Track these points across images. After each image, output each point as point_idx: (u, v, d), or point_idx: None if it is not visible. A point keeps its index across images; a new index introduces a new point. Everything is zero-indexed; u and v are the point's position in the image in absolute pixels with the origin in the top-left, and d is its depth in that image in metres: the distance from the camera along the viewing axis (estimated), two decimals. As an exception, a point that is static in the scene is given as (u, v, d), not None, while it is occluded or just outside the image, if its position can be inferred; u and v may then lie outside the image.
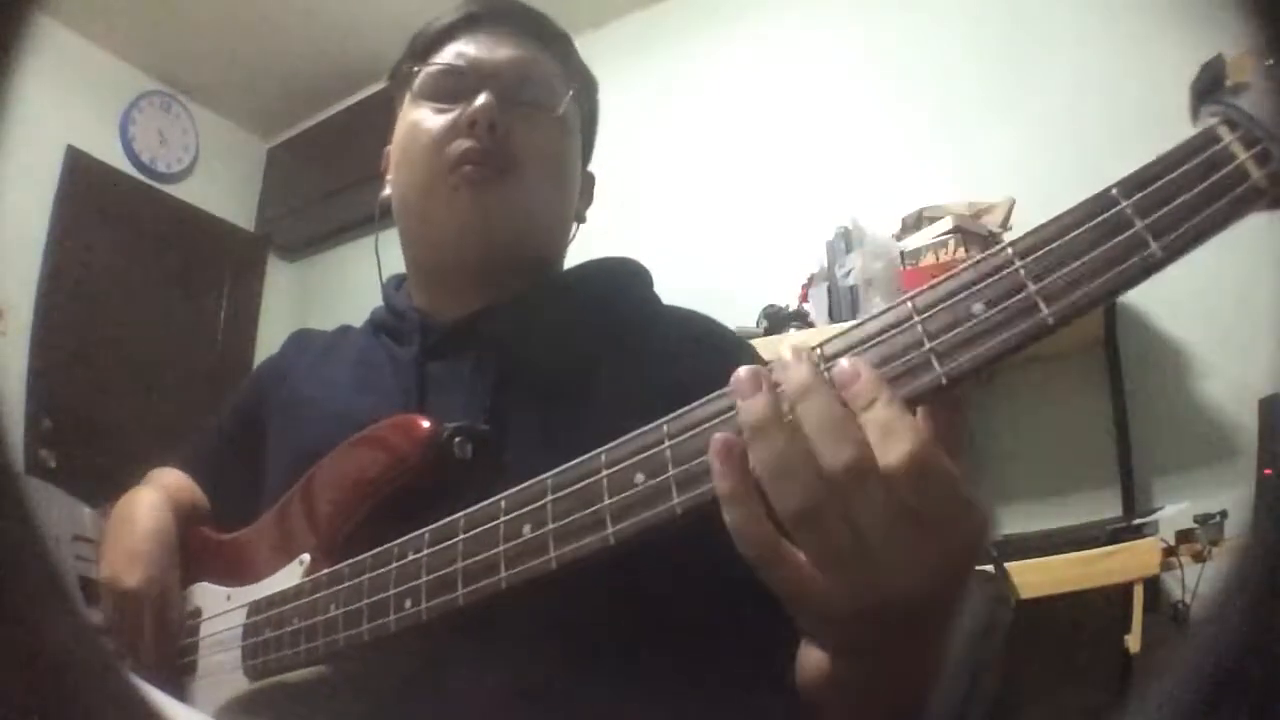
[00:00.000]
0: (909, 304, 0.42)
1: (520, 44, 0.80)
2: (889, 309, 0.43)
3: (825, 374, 0.42)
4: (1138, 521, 1.62)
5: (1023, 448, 2.00)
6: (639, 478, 0.46)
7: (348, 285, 3.22)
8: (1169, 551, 1.56)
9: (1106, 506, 1.87)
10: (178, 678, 0.75)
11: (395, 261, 0.87)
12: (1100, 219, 0.39)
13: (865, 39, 2.52)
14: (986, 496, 0.41)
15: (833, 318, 2.05)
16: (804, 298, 2.18)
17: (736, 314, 2.12)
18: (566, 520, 0.49)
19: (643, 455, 0.47)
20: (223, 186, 3.50)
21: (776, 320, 2.13)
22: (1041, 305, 0.39)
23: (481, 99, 0.74)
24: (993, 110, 2.25)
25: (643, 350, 0.74)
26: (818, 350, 0.44)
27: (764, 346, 0.66)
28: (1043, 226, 0.40)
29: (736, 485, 0.41)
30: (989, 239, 1.89)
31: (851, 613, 0.41)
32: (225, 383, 2.68)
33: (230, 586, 0.75)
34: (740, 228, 2.55)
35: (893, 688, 0.48)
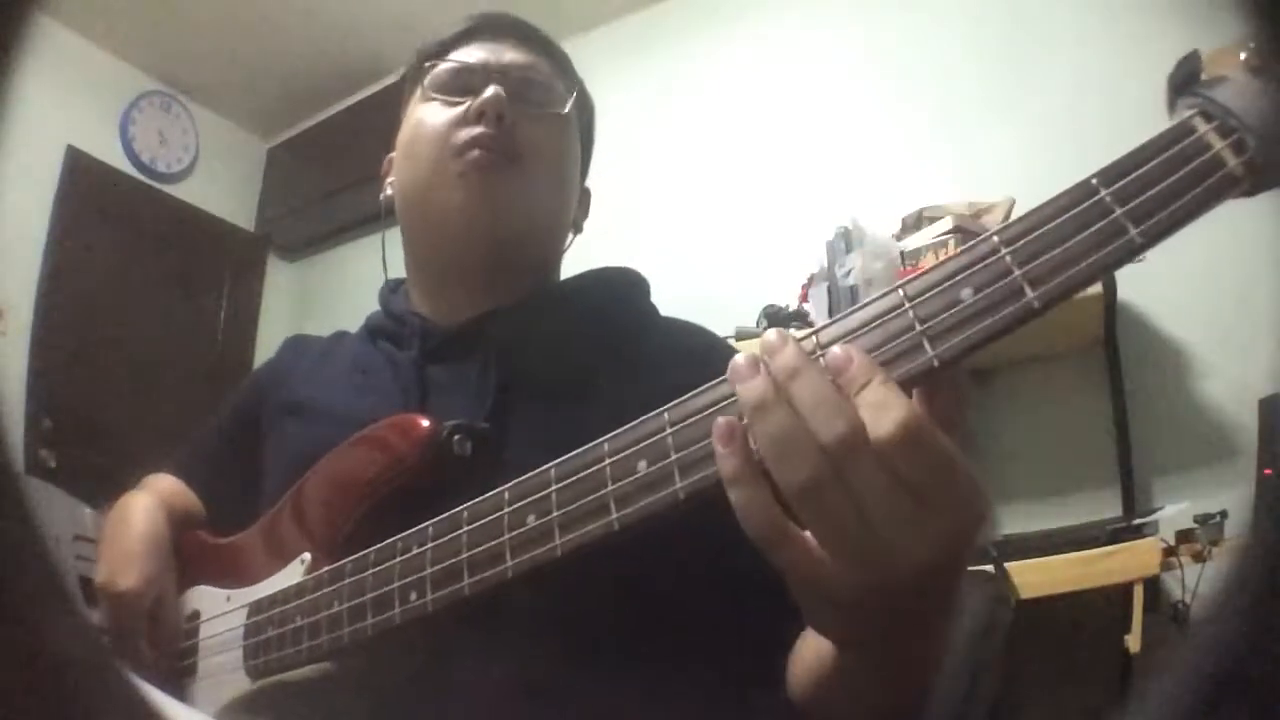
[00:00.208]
0: (900, 291, 0.43)
1: (525, 50, 0.82)
2: (881, 296, 0.44)
3: (820, 360, 0.43)
4: (1138, 521, 1.62)
5: (1023, 448, 1.99)
6: (641, 464, 0.47)
7: (348, 285, 3.22)
8: (1169, 551, 1.56)
9: (1106, 506, 1.87)
10: (178, 680, 0.75)
11: (396, 264, 0.87)
12: (1081, 207, 0.41)
13: (865, 39, 2.52)
14: (986, 486, 0.42)
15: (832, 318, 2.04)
16: (804, 298, 2.18)
17: (736, 314, 2.12)
18: (571, 507, 0.50)
19: (645, 443, 0.48)
20: (223, 186, 3.50)
21: (776, 320, 2.12)
22: (1027, 289, 0.40)
23: (490, 90, 0.75)
24: (993, 110, 2.25)
25: (639, 360, 0.75)
26: (813, 338, 0.45)
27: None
28: (1027, 215, 0.42)
29: (740, 466, 0.42)
30: (989, 239, 1.89)
31: (857, 593, 0.41)
32: (225, 383, 2.68)
33: (229, 588, 0.75)
34: (740, 227, 2.55)
35: (894, 683, 0.49)
